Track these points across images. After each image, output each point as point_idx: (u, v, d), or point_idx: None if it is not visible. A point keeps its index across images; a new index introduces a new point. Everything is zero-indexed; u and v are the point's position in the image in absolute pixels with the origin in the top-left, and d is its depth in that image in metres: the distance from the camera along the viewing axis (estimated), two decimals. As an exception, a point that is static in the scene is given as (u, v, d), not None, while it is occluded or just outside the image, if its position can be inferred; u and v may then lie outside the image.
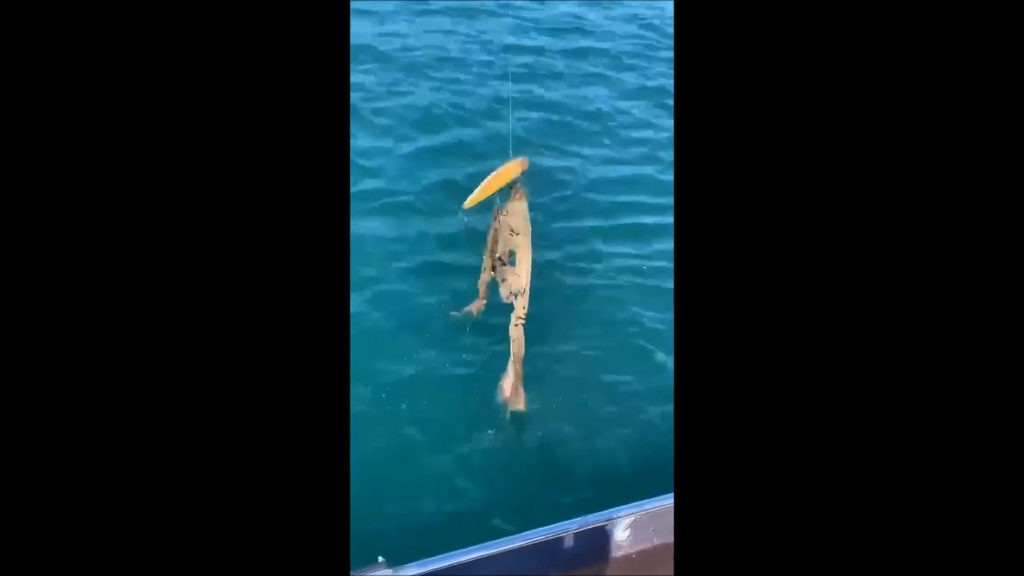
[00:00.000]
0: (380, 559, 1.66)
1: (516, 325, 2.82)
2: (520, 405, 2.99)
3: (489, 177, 2.24)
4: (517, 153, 2.24)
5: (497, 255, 2.55)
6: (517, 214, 2.44)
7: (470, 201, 2.27)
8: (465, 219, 2.21)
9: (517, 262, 2.62)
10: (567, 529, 1.85)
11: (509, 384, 2.95)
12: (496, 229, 2.46)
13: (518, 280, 2.66)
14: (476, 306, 2.78)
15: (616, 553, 1.88)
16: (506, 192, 2.35)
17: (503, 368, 2.90)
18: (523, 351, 2.91)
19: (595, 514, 1.89)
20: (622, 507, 1.90)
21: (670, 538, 1.87)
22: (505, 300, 2.71)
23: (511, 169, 2.23)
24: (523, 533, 1.83)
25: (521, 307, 2.77)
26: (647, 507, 1.91)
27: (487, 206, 2.30)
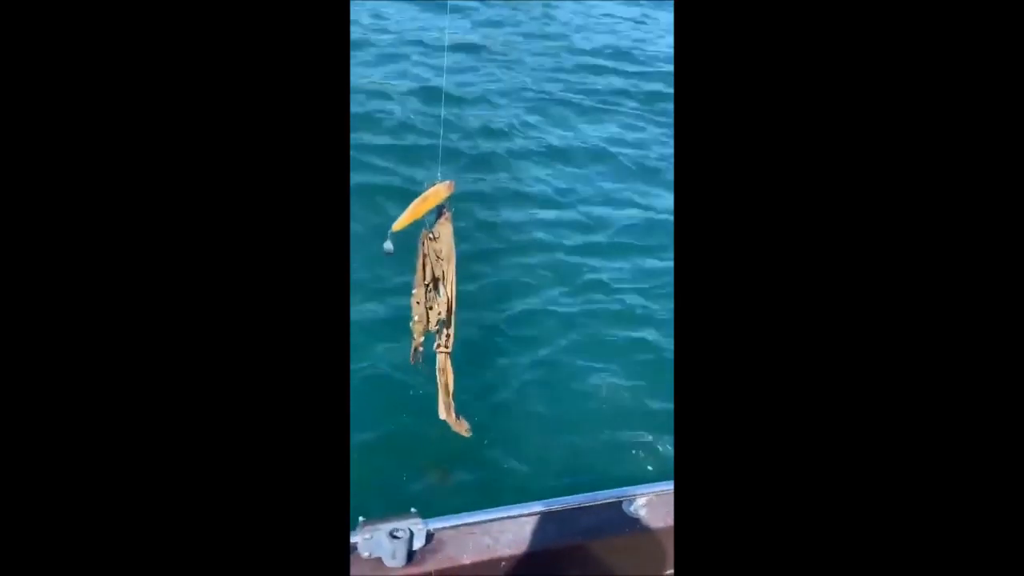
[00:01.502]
0: (412, 510, 1.79)
1: (443, 354, 2.89)
2: (464, 432, 3.04)
3: (417, 200, 2.33)
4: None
5: (426, 283, 2.62)
6: (443, 239, 2.52)
7: (399, 224, 2.36)
8: (390, 245, 2.30)
9: (442, 289, 2.70)
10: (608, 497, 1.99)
11: (444, 412, 3.00)
12: (425, 255, 2.54)
13: (443, 307, 2.74)
14: (416, 347, 2.80)
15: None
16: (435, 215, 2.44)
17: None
18: (452, 381, 2.97)
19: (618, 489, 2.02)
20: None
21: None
22: (431, 329, 2.78)
23: (439, 191, 2.33)
24: (562, 498, 1.97)
25: (446, 336, 2.85)
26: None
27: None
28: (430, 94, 6.04)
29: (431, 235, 2.50)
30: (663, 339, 4.06)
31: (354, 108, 5.85)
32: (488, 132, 6.01)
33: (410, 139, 5.55)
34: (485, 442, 3.13)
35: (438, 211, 2.42)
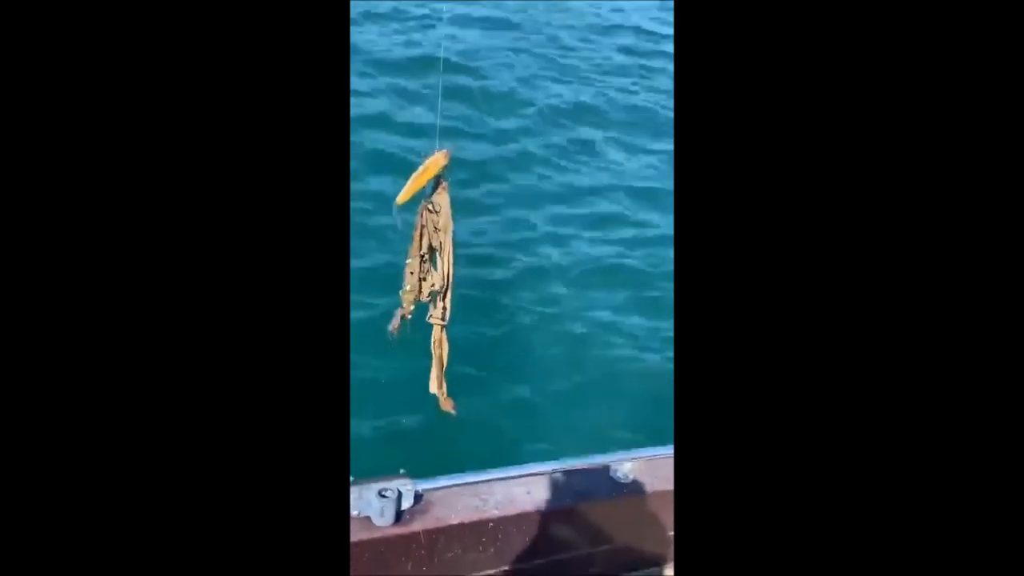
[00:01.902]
0: (401, 471, 1.84)
1: (438, 327, 2.92)
2: (449, 410, 3.07)
3: (416, 172, 2.36)
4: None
5: (422, 253, 2.65)
6: (441, 209, 2.55)
7: (402, 196, 2.38)
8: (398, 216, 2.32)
9: (439, 260, 2.73)
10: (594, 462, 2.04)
11: (435, 386, 3.03)
12: (423, 226, 2.56)
13: (439, 279, 2.77)
14: (401, 315, 2.83)
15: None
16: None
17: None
18: (447, 354, 3.00)
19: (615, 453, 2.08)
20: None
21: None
22: (424, 300, 2.81)
23: (437, 161, 2.35)
24: (550, 462, 2.01)
25: (442, 308, 2.87)
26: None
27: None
28: (446, 66, 6.13)
29: (430, 206, 2.52)
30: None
31: (371, 83, 5.92)
32: (509, 105, 6.09)
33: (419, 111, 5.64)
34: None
35: (435, 181, 2.44)
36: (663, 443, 2.13)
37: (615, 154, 5.93)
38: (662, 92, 7.26)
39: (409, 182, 2.38)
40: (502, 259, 4.46)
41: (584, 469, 2.02)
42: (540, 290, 4.28)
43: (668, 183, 5.66)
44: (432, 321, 2.89)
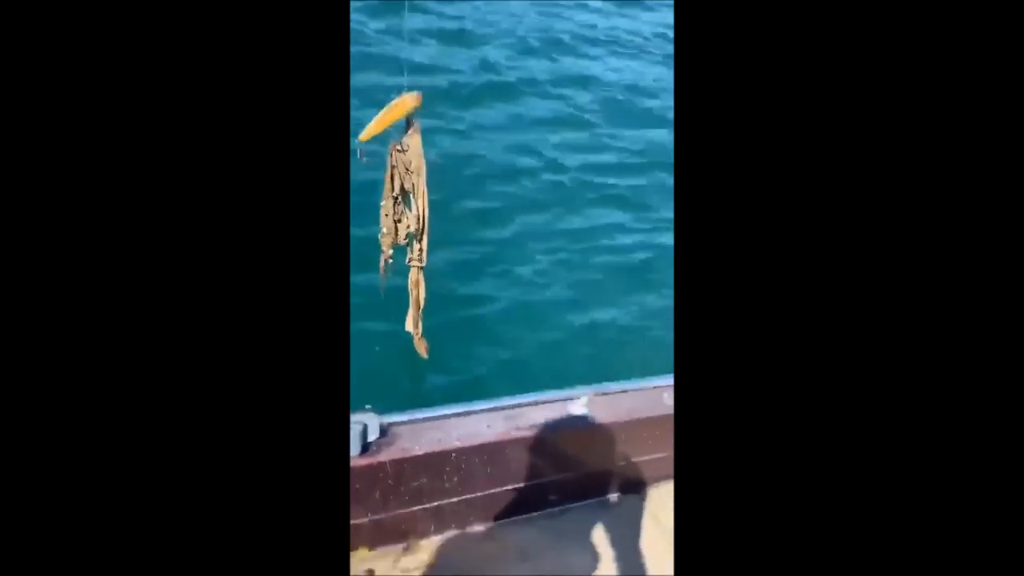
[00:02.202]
0: (367, 406, 1.90)
1: (415, 268, 2.96)
2: (422, 352, 3.13)
3: (383, 110, 2.35)
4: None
5: (395, 195, 2.66)
6: (413, 151, 2.56)
7: (365, 134, 2.39)
8: (364, 156, 2.34)
9: (413, 201, 2.75)
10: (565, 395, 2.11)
11: (411, 325, 3.09)
12: (393, 167, 2.57)
13: (414, 221, 2.79)
14: (384, 263, 2.87)
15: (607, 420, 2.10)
16: (403, 127, 2.47)
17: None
18: (423, 296, 3.04)
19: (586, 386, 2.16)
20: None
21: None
22: (401, 243, 2.85)
23: (405, 102, 2.34)
24: (509, 397, 2.10)
25: (419, 249, 2.90)
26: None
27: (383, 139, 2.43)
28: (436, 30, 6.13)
29: (399, 147, 2.52)
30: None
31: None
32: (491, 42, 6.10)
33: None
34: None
35: (407, 123, 2.44)
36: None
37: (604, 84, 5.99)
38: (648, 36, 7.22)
39: (374, 120, 2.38)
40: (490, 191, 4.53)
41: (541, 403, 2.10)
42: (528, 221, 4.35)
43: (661, 108, 5.68)
44: (410, 263, 2.94)
